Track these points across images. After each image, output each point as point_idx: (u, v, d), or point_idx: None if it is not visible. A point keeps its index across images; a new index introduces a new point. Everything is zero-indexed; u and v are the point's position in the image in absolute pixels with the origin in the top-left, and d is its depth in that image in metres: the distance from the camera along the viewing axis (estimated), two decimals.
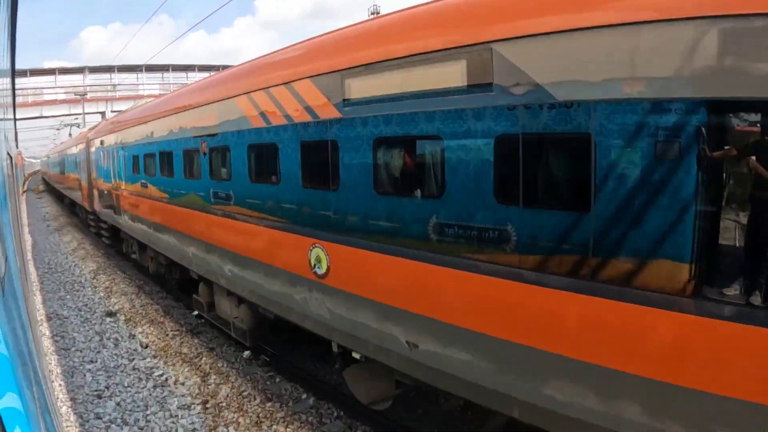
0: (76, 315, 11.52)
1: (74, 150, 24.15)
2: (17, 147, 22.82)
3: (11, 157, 5.30)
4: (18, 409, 1.18)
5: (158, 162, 10.68)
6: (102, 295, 13.35)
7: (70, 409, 7.29)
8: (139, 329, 10.90)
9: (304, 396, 7.51)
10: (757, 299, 2.74)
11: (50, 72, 55.25)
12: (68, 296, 12.98)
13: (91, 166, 18.45)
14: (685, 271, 2.87)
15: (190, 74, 61.22)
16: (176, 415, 7.09)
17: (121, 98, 54.67)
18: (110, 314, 11.83)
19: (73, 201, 28.69)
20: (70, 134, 41.51)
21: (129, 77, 57.21)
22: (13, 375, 1.25)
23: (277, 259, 6.48)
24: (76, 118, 50.39)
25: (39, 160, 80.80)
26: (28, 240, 21.35)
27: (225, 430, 6.68)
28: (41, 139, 74.66)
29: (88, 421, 6.97)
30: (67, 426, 6.82)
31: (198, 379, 8.23)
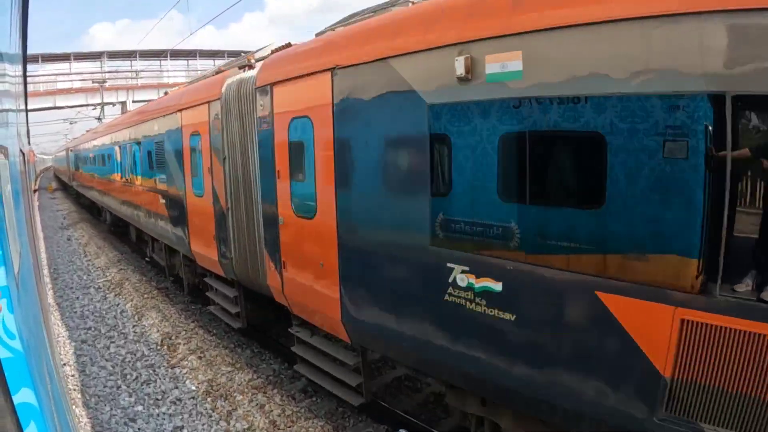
0: None
1: (160, 126, 10.59)
2: (29, 143, 17.44)
3: (23, 154, 4.30)
4: (32, 404, 1.14)
5: None
6: (195, 386, 7.13)
7: None
8: None
9: None
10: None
11: (65, 57, 49.16)
12: (138, 406, 6.69)
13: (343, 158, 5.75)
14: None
15: (218, 61, 55.22)
16: None
17: (143, 87, 48.79)
18: None
19: (118, 219, 17.61)
20: (100, 118, 34.34)
21: (152, 64, 51.17)
22: (28, 371, 1.19)
23: None
24: (94, 108, 44.55)
25: (51, 156, 75.04)
26: (46, 263, 15.17)
27: None
28: (53, 134, 68.89)
29: None
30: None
31: None
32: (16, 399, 1.15)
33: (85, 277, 13.51)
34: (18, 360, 1.22)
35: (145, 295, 11.89)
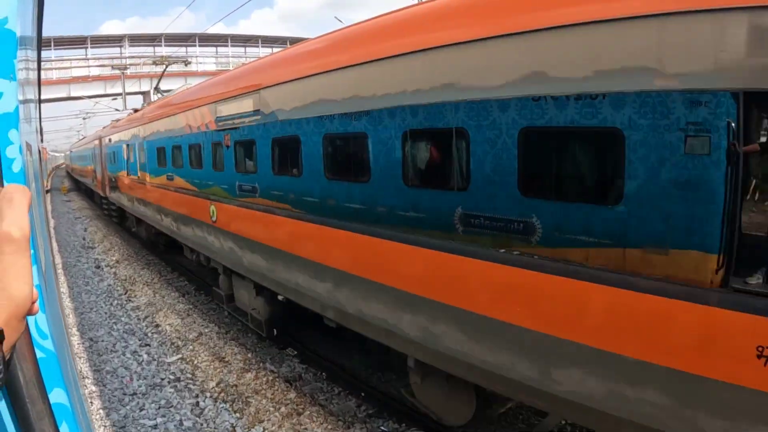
0: None
1: None
2: (42, 139, 12.05)
3: (39, 151, 3.49)
4: (65, 404, 1.12)
5: None
6: None
7: None
8: None
9: None
10: None
11: (80, 41, 43.47)
12: None
13: None
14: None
15: (250, 49, 49.49)
16: None
17: (168, 74, 42.99)
18: None
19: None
20: (158, 88, 27.86)
21: (177, 51, 45.41)
22: (60, 371, 1.16)
23: None
24: (114, 98, 38.95)
25: (64, 154, 69.59)
26: (73, 320, 9.11)
27: None
28: (65, 130, 63.51)
29: None
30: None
31: None
32: (51, 399, 1.03)
33: (145, 356, 7.39)
34: (51, 360, 1.12)
35: (280, 404, 5.83)
